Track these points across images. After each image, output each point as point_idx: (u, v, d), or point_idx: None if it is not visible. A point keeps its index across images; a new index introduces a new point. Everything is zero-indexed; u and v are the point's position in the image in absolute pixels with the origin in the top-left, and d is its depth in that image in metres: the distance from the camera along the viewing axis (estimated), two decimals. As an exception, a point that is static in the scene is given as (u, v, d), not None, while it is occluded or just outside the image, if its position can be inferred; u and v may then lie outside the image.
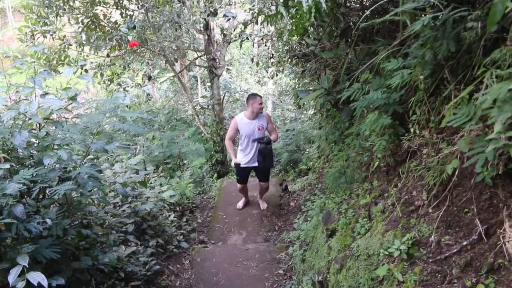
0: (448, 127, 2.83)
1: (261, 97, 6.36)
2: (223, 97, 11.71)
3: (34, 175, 3.21)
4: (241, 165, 6.65)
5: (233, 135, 6.57)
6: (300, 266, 4.80)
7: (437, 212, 2.71)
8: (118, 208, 5.45)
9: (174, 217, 6.71)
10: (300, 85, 7.59)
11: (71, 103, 3.86)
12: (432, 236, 2.66)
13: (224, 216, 7.43)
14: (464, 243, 2.48)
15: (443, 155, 2.68)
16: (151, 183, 7.00)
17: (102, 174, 3.96)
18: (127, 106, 8.86)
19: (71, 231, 3.61)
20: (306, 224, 5.33)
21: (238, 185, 7.21)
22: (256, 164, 6.61)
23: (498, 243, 2.29)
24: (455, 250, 2.51)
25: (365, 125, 3.37)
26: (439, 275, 2.52)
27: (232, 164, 6.58)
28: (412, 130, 3.12)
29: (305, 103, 7.80)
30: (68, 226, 3.53)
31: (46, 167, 3.40)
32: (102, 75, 10.32)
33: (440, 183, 2.69)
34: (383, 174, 3.56)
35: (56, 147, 3.70)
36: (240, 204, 7.73)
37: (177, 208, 7.32)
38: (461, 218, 2.57)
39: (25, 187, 3.07)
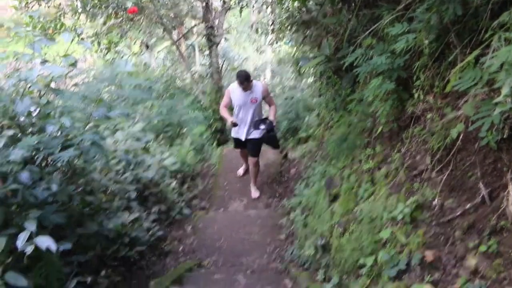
0: (452, 92, 2.83)
1: (244, 76, 6.03)
2: (222, 65, 11.61)
3: (37, 142, 3.21)
4: (233, 135, 6.66)
5: (228, 103, 6.43)
6: (302, 231, 4.87)
7: (440, 176, 2.73)
8: (120, 175, 5.48)
9: (175, 184, 6.75)
10: (300, 53, 7.52)
11: (71, 70, 3.83)
12: (436, 200, 2.69)
13: (225, 183, 7.48)
14: (467, 206, 2.51)
15: (447, 119, 2.68)
16: (152, 151, 7.01)
17: (104, 142, 3.96)
18: (128, 73, 8.77)
19: (76, 197, 3.64)
20: (308, 190, 5.37)
21: (237, 151, 7.21)
22: (244, 136, 6.46)
23: (501, 206, 2.32)
24: (458, 213, 2.55)
25: (368, 91, 3.36)
26: (442, 237, 2.57)
27: (228, 123, 6.43)
28: (416, 95, 3.12)
29: (305, 71, 7.75)
30: (72, 192, 3.54)
31: (49, 135, 3.40)
32: (99, 43, 10.19)
33: (444, 148, 2.71)
34: (386, 140, 3.57)
35: (57, 114, 3.69)
36: (240, 171, 7.67)
37: (179, 176, 7.36)
38: (464, 182, 2.60)
39: (29, 153, 3.07)
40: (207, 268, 5.15)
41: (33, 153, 3.28)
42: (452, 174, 2.67)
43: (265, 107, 7.37)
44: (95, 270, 3.91)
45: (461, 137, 2.59)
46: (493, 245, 2.25)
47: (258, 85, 6.28)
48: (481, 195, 2.44)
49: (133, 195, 5.27)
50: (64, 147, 3.45)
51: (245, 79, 5.98)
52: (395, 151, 3.33)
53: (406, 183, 2.96)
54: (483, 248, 2.29)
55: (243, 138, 6.51)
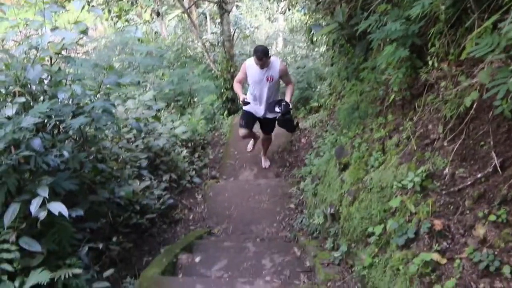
0: (467, 60, 2.76)
1: (262, 52, 5.60)
2: (233, 33, 11.47)
3: (49, 109, 3.22)
4: (247, 109, 6.20)
5: (242, 79, 6.09)
6: (311, 200, 4.89)
7: (452, 145, 2.70)
8: (131, 143, 5.52)
9: (186, 153, 6.79)
10: (312, 20, 7.38)
11: (82, 37, 3.81)
12: (447, 169, 2.67)
13: (236, 153, 7.50)
14: (479, 175, 2.48)
15: (461, 87, 2.63)
16: (162, 121, 7.02)
17: (115, 110, 3.97)
18: (138, 40, 8.70)
19: (87, 165, 3.67)
20: (318, 159, 5.37)
21: (241, 132, 6.39)
22: (262, 113, 6.14)
23: (514, 175, 2.29)
24: (469, 183, 2.52)
25: (381, 58, 3.30)
26: (452, 207, 2.55)
27: (240, 99, 5.95)
28: (430, 62, 3.05)
29: (317, 39, 7.63)
30: (84, 159, 3.58)
31: (60, 102, 3.41)
32: (109, 11, 10.11)
33: (457, 116, 2.66)
34: (398, 108, 3.53)
35: (69, 82, 3.69)
36: (249, 146, 7.46)
37: (189, 144, 7.39)
38: (476, 151, 2.56)
39: (41, 120, 3.09)
40: (217, 236, 5.22)
41: (45, 121, 3.29)
42: (464, 143, 2.63)
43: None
44: (107, 237, 3.99)
45: (474, 105, 2.54)
46: (503, 215, 2.23)
47: (276, 63, 5.85)
48: (493, 164, 2.41)
49: (144, 163, 5.32)
50: (76, 115, 3.47)
51: (263, 55, 5.58)
52: (407, 119, 3.29)
53: (417, 152, 2.93)
54: (492, 217, 2.27)
55: (261, 115, 6.20)
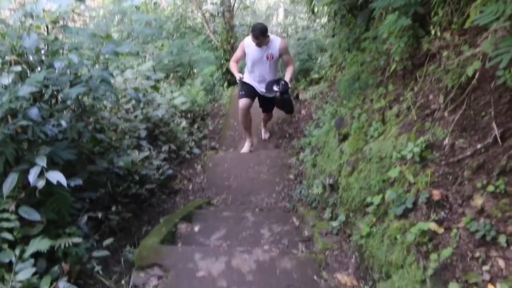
0: (471, 29, 2.72)
1: (260, 30, 5.46)
2: (234, 4, 11.28)
3: (46, 79, 3.19)
4: (246, 81, 6.02)
5: (240, 57, 5.96)
6: (310, 170, 4.89)
7: (453, 116, 2.68)
8: (130, 114, 5.49)
9: (185, 124, 6.77)
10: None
11: (79, 5, 3.74)
12: (446, 139, 2.65)
13: (235, 124, 7.48)
14: (478, 146, 2.47)
15: (464, 57, 2.59)
16: (161, 92, 6.97)
17: (113, 79, 3.93)
18: (136, 8, 8.54)
19: (85, 135, 3.66)
20: (318, 130, 5.36)
21: (241, 102, 6.05)
22: (262, 90, 5.91)
23: (514, 145, 2.28)
24: (468, 153, 2.51)
25: (383, 27, 3.25)
26: (451, 177, 2.55)
27: (237, 78, 5.94)
28: (432, 32, 3.00)
29: (318, 10, 7.52)
30: (82, 129, 3.56)
31: (57, 71, 3.37)
32: (107, -21, 9.91)
33: (459, 87, 2.64)
34: (399, 78, 3.49)
35: (66, 51, 3.64)
36: (246, 148, 6.62)
37: (189, 115, 7.37)
38: (477, 122, 2.55)
39: (38, 90, 3.06)
40: (216, 206, 5.25)
41: (42, 90, 3.26)
42: (464, 114, 2.61)
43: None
44: (106, 207, 4.00)
45: (477, 75, 2.51)
46: (501, 185, 2.23)
47: (276, 41, 5.70)
48: (493, 135, 2.39)
49: (143, 134, 5.31)
50: (73, 85, 3.43)
51: (260, 33, 5.45)
52: (408, 90, 3.26)
53: (417, 123, 2.91)
54: (490, 188, 2.27)
55: (260, 91, 6.01)
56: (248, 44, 5.73)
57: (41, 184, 2.83)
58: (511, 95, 2.37)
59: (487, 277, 2.07)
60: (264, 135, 7.09)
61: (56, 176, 2.85)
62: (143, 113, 5.68)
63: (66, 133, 3.34)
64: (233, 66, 5.96)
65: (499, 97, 2.43)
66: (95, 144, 3.96)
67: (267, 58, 5.68)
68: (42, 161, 2.87)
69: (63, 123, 3.18)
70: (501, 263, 2.08)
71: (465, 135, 2.59)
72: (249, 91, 6.06)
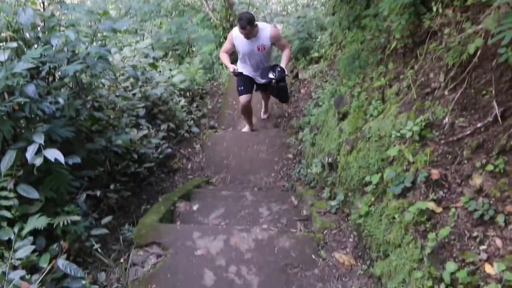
0: (473, 5, 2.67)
1: (246, 20, 4.99)
2: (233, -20, 11.12)
3: (42, 55, 3.15)
4: (235, 71, 5.52)
5: (229, 50, 5.58)
6: (309, 150, 4.88)
7: (453, 94, 2.65)
8: (128, 92, 5.45)
9: (184, 102, 6.74)
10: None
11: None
12: (446, 118, 2.63)
13: (234, 103, 7.44)
14: (478, 125, 2.45)
15: (466, 34, 2.55)
16: (160, 71, 6.91)
17: (111, 56, 3.89)
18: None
19: (83, 112, 3.63)
20: (317, 109, 5.33)
21: (242, 99, 5.81)
22: (259, 80, 5.71)
23: (514, 124, 2.26)
24: (468, 132, 2.50)
25: (384, 4, 3.20)
26: (450, 156, 2.54)
27: (230, 71, 5.49)
28: (434, 8, 2.95)
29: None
30: (80, 106, 3.53)
31: (54, 48, 3.33)
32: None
33: (460, 65, 2.60)
34: (399, 56, 3.45)
35: (62, 28, 3.59)
36: (246, 129, 6.58)
37: (187, 94, 7.33)
38: (477, 101, 2.52)
39: (34, 66, 3.02)
40: (215, 185, 5.25)
41: (39, 67, 3.23)
42: (465, 92, 2.59)
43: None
44: (105, 185, 4.00)
45: (478, 53, 2.47)
46: (500, 165, 2.22)
47: (265, 30, 5.26)
48: (494, 114, 2.37)
49: (142, 112, 5.28)
50: (71, 62, 3.39)
51: (247, 23, 4.99)
52: (408, 68, 3.22)
53: (417, 101, 2.89)
54: (490, 167, 2.26)
55: (258, 80, 5.74)
56: (236, 36, 5.32)
57: (38, 161, 2.82)
58: (513, 73, 2.35)
59: (484, 256, 2.08)
60: (263, 114, 6.98)
61: (54, 154, 2.84)
62: (142, 92, 5.64)
63: (63, 110, 3.32)
64: (224, 58, 5.59)
65: (500, 75, 2.40)
66: (93, 123, 3.94)
67: (259, 49, 5.35)
68: (39, 139, 2.85)
69: (61, 100, 3.15)
70: (499, 242, 2.09)
71: (465, 114, 2.57)
72: (247, 85, 5.78)
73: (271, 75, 5.28)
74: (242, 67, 5.68)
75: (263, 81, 5.58)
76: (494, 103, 2.38)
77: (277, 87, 5.40)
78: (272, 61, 5.71)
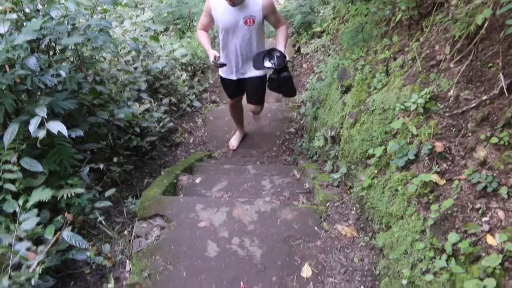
0: (481, -25, 2.62)
1: None
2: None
3: (42, 28, 3.12)
4: (222, 76, 4.55)
5: (207, 25, 4.26)
6: (312, 124, 4.88)
7: (459, 67, 2.63)
8: (130, 66, 5.42)
9: (186, 77, 6.70)
10: None
11: None
12: (451, 91, 2.61)
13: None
14: (484, 97, 2.44)
15: (473, 5, 2.51)
16: (161, 45, 6.84)
17: (112, 29, 3.84)
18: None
19: (85, 86, 3.62)
20: (320, 83, 5.30)
21: (231, 102, 5.04)
22: (235, 75, 4.47)
23: (520, 97, 2.25)
24: (473, 105, 2.48)
25: (389, -25, 3.15)
26: (454, 129, 2.53)
27: (210, 59, 4.09)
28: (441, -21, 2.91)
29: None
30: (81, 80, 3.52)
31: (54, 20, 3.29)
32: None
33: (466, 36, 2.57)
34: (404, 29, 3.41)
35: (62, 0, 3.54)
36: (233, 142, 5.58)
37: (189, 68, 7.28)
38: (483, 73, 2.50)
39: (34, 38, 2.99)
40: (217, 159, 5.26)
41: (39, 40, 3.20)
42: (471, 65, 2.56)
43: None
44: (108, 159, 4.02)
45: (486, 24, 2.44)
46: (505, 137, 2.21)
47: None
48: (500, 86, 2.35)
49: (143, 86, 5.26)
50: (71, 35, 3.36)
51: None
52: (413, 40, 3.18)
53: (422, 74, 2.86)
54: (494, 140, 2.26)
55: (234, 76, 4.49)
56: (215, 3, 4.00)
57: (41, 134, 2.82)
58: (520, 45, 2.32)
59: (486, 227, 2.09)
60: (255, 118, 5.69)
61: (57, 126, 2.84)
62: (143, 66, 5.60)
63: (65, 84, 3.30)
64: (201, 37, 4.30)
65: (508, 47, 2.37)
66: (95, 96, 3.92)
67: (246, 22, 3.98)
68: (42, 112, 2.85)
69: (62, 73, 3.13)
70: (501, 214, 2.09)
71: (470, 87, 2.55)
72: (231, 90, 4.77)
73: (268, 64, 4.00)
74: (222, 56, 4.35)
75: (241, 73, 4.44)
76: (501, 76, 2.36)
77: (279, 78, 4.10)
78: (263, 44, 4.33)
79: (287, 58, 4.01)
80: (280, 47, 4.06)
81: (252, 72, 4.33)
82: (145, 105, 5.00)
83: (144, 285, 2.81)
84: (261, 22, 4.05)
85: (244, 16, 3.93)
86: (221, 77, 4.61)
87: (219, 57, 4.02)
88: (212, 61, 4.01)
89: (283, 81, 4.11)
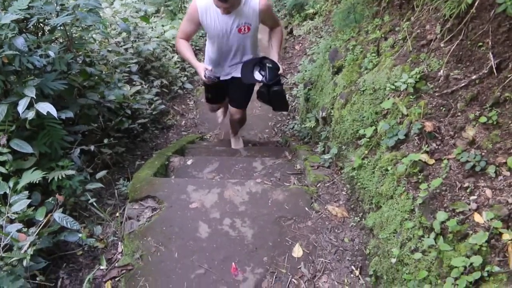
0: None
1: None
2: None
3: (30, 7, 3.07)
4: (210, 75, 3.52)
5: (191, 33, 3.69)
6: (303, 105, 4.88)
7: (449, 46, 2.63)
8: (120, 47, 5.37)
9: (177, 59, 6.65)
10: None
11: None
12: (441, 71, 2.62)
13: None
14: (473, 77, 2.44)
15: (463, -16, 2.50)
16: (152, 27, 6.77)
17: (101, 9, 3.79)
18: None
19: (74, 66, 3.58)
20: (311, 64, 5.28)
21: (209, 107, 4.75)
22: (224, 74, 3.93)
23: (509, 76, 2.25)
24: (463, 84, 2.49)
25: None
26: (444, 109, 2.54)
27: (200, 74, 3.56)
28: (432, -43, 2.88)
29: None
30: (71, 61, 3.48)
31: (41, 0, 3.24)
32: None
33: (457, 16, 2.56)
34: (395, 9, 3.39)
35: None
36: (219, 115, 5.31)
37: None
38: (473, 52, 2.50)
39: (21, 17, 2.95)
40: (209, 141, 5.26)
41: (27, 21, 3.15)
42: (461, 44, 2.56)
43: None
44: (99, 141, 3.99)
45: (476, 3, 2.43)
46: (494, 117, 2.23)
47: (252, 1, 3.39)
48: (489, 65, 2.36)
49: (134, 68, 5.22)
50: (60, 15, 3.31)
51: None
52: (404, 20, 3.17)
53: (413, 54, 2.86)
54: (483, 119, 2.27)
55: (222, 76, 3.94)
56: (204, 10, 3.43)
57: (31, 115, 2.79)
58: (511, 24, 2.31)
59: (474, 206, 2.12)
60: (235, 143, 4.99)
61: (46, 107, 2.81)
62: (134, 47, 5.55)
63: (54, 64, 3.26)
64: (184, 48, 3.66)
65: (498, 26, 2.37)
66: (85, 78, 3.89)
67: (239, 31, 3.49)
68: (31, 92, 2.82)
69: (51, 53, 3.09)
70: (488, 192, 2.12)
71: (460, 66, 2.56)
72: (219, 93, 4.30)
73: (258, 76, 3.58)
74: (208, 59, 3.92)
75: (227, 73, 3.93)
76: (490, 55, 2.36)
77: (269, 92, 3.67)
78: (256, 50, 3.83)
79: (281, 70, 3.55)
80: (274, 54, 3.67)
81: (239, 73, 3.78)
82: (136, 87, 4.97)
83: (136, 266, 2.83)
84: (257, 28, 3.58)
85: (238, 24, 3.44)
86: (218, 78, 3.82)
87: (211, 70, 3.52)
88: (205, 76, 3.49)
89: (274, 96, 3.71)
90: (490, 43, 2.39)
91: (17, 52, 2.86)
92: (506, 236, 1.88)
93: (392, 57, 3.03)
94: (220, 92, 4.20)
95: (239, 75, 3.75)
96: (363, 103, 3.11)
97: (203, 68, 3.51)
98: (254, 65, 3.55)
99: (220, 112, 5.23)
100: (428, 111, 2.59)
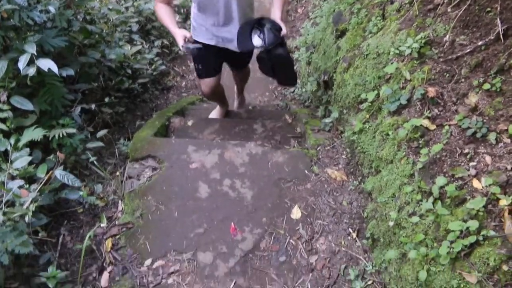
0: None
1: None
2: None
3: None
4: (188, 46, 2.92)
5: None
6: (305, 69, 4.83)
7: (456, 11, 2.59)
8: (121, 5, 5.27)
9: (178, 19, 6.53)
10: None
11: None
12: (447, 36, 2.59)
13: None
14: (479, 43, 2.42)
15: None
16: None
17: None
18: None
19: (75, 23, 3.53)
20: (314, 28, 5.20)
21: (203, 86, 3.72)
22: (231, 46, 3.28)
23: (515, 43, 2.23)
24: (468, 50, 2.47)
25: None
26: (447, 75, 2.52)
27: (179, 43, 2.97)
28: None
29: None
30: (71, 17, 3.43)
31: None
32: None
33: (465, -21, 2.52)
34: (403, -29, 3.33)
35: None
36: (215, 114, 4.39)
37: (182, 11, 7.09)
38: (480, 18, 2.47)
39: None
40: (209, 103, 5.23)
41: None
42: (469, 9, 2.52)
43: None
44: (100, 100, 3.98)
45: (485, -32, 2.39)
46: (497, 83, 2.22)
47: None
48: (496, 32, 2.33)
49: (135, 27, 5.15)
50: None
51: None
52: (411, -17, 3.11)
53: (419, 18, 2.81)
54: (486, 86, 2.26)
55: (213, 41, 3.28)
56: None
57: (31, 71, 2.78)
58: (521, -11, 2.28)
59: (473, 172, 2.13)
60: (236, 103, 4.72)
61: (47, 64, 2.79)
62: (135, 6, 5.45)
63: (55, 21, 3.21)
64: (163, 13, 3.06)
65: (507, -9, 2.34)
66: (86, 36, 3.84)
67: None
68: (31, 48, 2.79)
69: (51, 9, 3.04)
70: (488, 159, 2.13)
71: (466, 32, 2.53)
72: (209, 62, 3.49)
73: (257, 40, 2.95)
74: (198, 25, 3.26)
75: (232, 46, 3.29)
76: (498, 21, 2.33)
77: (271, 57, 3.05)
78: (252, 11, 3.27)
79: (284, 31, 2.94)
80: (276, 12, 3.03)
81: (230, 41, 3.25)
82: (137, 46, 4.91)
83: (136, 224, 2.87)
84: None
85: None
86: (200, 48, 2.98)
87: (190, 38, 2.95)
88: (182, 46, 2.92)
89: (277, 62, 3.09)
90: (498, 8, 2.35)
91: (17, 7, 2.81)
92: (503, 202, 1.90)
93: (397, 21, 2.99)
94: (212, 61, 3.49)
95: (232, 46, 3.26)
96: (366, 67, 3.09)
97: (181, 35, 2.92)
98: (252, 28, 2.96)
99: (216, 112, 4.40)
100: (431, 76, 2.57)
